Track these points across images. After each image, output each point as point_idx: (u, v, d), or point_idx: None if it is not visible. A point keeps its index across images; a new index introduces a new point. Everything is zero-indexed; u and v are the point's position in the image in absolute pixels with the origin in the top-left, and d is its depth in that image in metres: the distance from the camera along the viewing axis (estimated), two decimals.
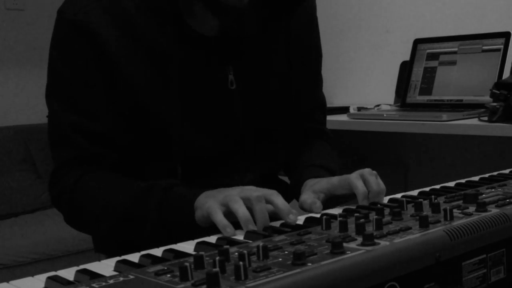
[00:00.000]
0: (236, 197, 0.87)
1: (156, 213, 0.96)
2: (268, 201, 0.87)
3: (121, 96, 1.03)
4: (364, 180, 0.98)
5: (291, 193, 1.20)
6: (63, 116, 1.05)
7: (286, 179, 1.27)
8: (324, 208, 1.00)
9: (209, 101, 1.08)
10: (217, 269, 0.54)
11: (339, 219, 0.72)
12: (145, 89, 1.03)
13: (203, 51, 1.07)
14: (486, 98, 1.99)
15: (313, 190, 1.05)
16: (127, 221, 1.00)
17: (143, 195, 0.98)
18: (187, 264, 0.57)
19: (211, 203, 0.89)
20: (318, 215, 0.90)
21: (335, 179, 1.03)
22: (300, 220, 0.89)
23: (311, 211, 0.99)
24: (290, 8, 1.13)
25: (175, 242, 0.82)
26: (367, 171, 1.00)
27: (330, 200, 1.04)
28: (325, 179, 1.07)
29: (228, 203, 0.87)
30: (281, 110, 1.17)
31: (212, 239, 0.82)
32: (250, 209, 0.86)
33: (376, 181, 0.98)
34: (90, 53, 1.02)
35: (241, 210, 0.85)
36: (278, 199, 0.87)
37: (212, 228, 0.88)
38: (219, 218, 0.86)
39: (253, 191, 0.88)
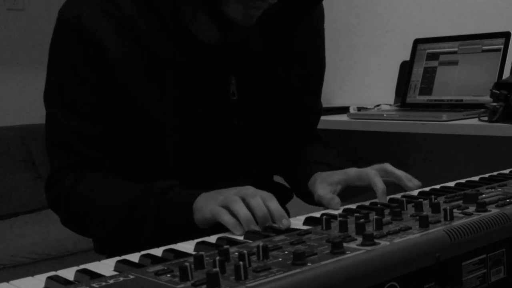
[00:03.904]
0: (235, 197, 0.87)
1: (155, 215, 0.96)
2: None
3: (119, 100, 1.02)
4: (387, 173, 1.00)
5: (290, 194, 1.20)
6: (61, 120, 1.04)
7: (280, 179, 1.27)
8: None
9: (207, 110, 1.06)
10: (217, 269, 0.54)
11: (339, 219, 0.72)
12: (142, 95, 1.02)
13: (204, 59, 1.05)
14: (486, 98, 1.99)
15: (328, 182, 1.05)
16: (125, 223, 0.99)
17: (142, 197, 0.98)
18: (187, 264, 0.57)
19: (212, 205, 0.89)
20: (318, 215, 0.90)
21: (352, 171, 1.04)
22: (300, 220, 0.89)
23: (329, 207, 1.00)
24: (297, 18, 1.11)
25: (175, 242, 0.82)
26: (387, 165, 1.03)
27: (345, 191, 1.04)
28: (341, 171, 1.07)
29: (228, 205, 0.87)
30: (281, 121, 1.16)
31: (212, 239, 0.82)
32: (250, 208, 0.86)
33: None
34: (89, 57, 1.01)
35: (242, 211, 0.85)
36: (272, 203, 0.87)
37: (211, 229, 0.89)
38: (227, 218, 0.86)
39: (249, 190, 0.89)
